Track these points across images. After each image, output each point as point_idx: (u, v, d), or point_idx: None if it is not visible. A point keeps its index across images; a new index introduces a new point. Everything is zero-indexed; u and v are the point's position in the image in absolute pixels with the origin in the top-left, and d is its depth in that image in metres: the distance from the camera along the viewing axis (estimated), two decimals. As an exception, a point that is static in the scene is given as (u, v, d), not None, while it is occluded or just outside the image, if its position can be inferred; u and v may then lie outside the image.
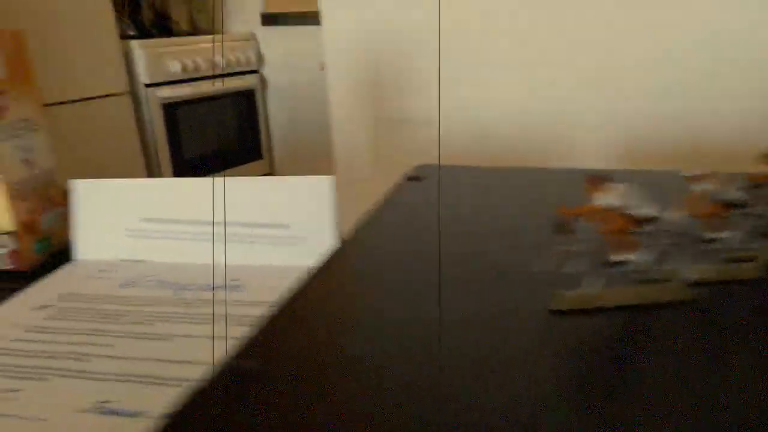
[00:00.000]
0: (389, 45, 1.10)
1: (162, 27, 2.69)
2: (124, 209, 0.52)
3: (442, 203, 0.55)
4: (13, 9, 1.84)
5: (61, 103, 1.97)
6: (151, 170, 2.36)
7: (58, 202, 0.56)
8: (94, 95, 2.09)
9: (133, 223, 0.52)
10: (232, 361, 0.31)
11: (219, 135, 2.64)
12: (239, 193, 0.50)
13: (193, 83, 2.42)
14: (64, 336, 0.40)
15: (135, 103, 2.27)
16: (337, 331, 0.34)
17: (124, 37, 2.33)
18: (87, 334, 0.40)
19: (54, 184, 0.56)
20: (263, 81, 2.78)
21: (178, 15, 2.77)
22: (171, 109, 2.36)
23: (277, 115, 2.83)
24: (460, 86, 1.05)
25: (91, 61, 2.08)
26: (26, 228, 0.52)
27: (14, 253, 0.51)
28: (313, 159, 2.68)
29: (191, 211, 0.50)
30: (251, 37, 2.70)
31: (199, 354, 0.37)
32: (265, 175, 2.47)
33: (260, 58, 2.74)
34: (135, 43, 2.24)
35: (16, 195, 0.51)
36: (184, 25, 2.79)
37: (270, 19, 2.68)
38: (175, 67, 2.34)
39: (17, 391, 0.34)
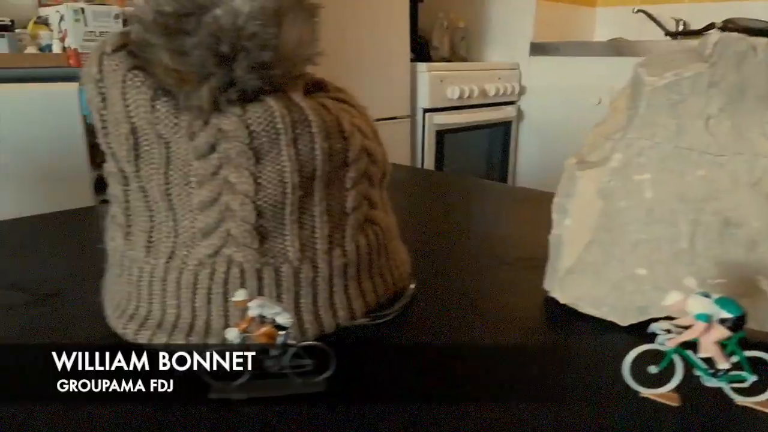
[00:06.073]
0: None
1: (420, 52, 2.63)
2: None
3: None
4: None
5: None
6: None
7: None
8: (382, 117, 2.03)
9: None
10: None
11: (473, 166, 2.51)
12: None
13: (463, 111, 2.31)
14: None
15: (411, 126, 2.19)
16: None
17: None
18: None
19: None
20: (520, 113, 2.62)
21: (439, 40, 2.70)
22: (441, 135, 2.26)
23: (528, 149, 2.66)
24: None
25: (385, 83, 2.03)
26: None
27: None
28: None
29: None
30: (516, 67, 2.56)
31: None
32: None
33: (521, 89, 2.59)
34: (423, 66, 2.17)
35: None
36: (443, 52, 2.71)
37: (539, 49, 2.52)
38: (453, 93, 2.23)
39: None
